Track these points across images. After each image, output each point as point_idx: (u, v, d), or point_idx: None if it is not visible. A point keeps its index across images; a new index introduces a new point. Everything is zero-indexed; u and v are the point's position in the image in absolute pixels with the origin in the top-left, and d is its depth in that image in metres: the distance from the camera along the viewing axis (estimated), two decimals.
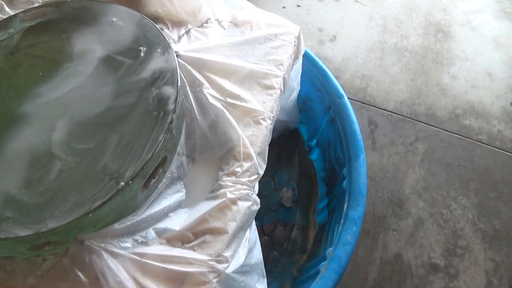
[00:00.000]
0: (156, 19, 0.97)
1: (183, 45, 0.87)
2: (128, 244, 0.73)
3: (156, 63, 0.77)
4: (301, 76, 1.18)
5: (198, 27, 0.93)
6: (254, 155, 0.77)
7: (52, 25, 0.88)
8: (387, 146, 1.55)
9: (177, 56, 0.83)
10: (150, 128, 0.70)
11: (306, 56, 1.28)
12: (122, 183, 0.67)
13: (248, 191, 0.75)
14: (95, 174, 0.69)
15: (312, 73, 1.30)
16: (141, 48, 0.80)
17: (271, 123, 0.83)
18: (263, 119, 0.81)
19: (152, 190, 0.75)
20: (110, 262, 0.69)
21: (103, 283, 0.66)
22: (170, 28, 0.94)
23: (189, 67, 0.83)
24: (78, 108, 0.76)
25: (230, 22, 0.96)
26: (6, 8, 1.01)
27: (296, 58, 0.98)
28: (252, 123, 0.81)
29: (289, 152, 1.47)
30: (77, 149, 0.71)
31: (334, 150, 1.24)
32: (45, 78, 0.81)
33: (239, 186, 0.74)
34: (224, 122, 0.80)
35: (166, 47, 0.79)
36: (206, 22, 0.94)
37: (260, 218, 1.36)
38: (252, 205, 0.75)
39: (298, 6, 2.14)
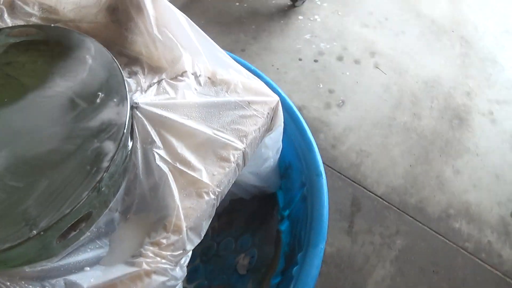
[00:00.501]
0: (137, 60, 1.01)
1: (147, 97, 0.91)
2: None
3: (108, 113, 0.81)
4: (288, 142, 1.21)
5: (172, 78, 0.97)
6: (184, 229, 0.80)
7: (33, 47, 0.93)
8: (364, 233, 1.56)
9: (136, 108, 0.87)
10: (78, 182, 0.73)
11: (297, 123, 1.32)
12: (34, 232, 0.69)
13: (167, 266, 0.77)
14: (14, 216, 0.71)
15: (298, 141, 1.33)
16: (100, 93, 0.84)
17: (215, 198, 0.85)
18: (207, 193, 0.84)
19: (72, 242, 0.78)
20: None
21: None
22: (145, 74, 0.98)
23: (145, 122, 0.86)
24: (24, 142, 0.80)
25: (208, 78, 1.00)
26: (5, 16, 1.08)
27: (268, 130, 1.01)
28: (194, 194, 0.84)
29: (260, 217, 1.48)
30: (7, 185, 0.75)
31: (300, 229, 1.26)
32: (8, 101, 0.85)
33: (159, 259, 0.76)
34: (165, 187, 0.83)
35: (123, 99, 0.82)
36: (182, 75, 0.97)
37: (211, 278, 1.37)
38: (168, 280, 0.77)
39: (315, 61, 2.18)
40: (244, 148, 0.91)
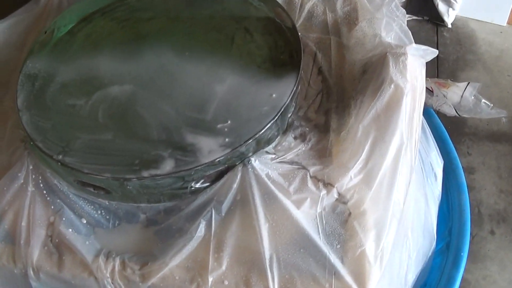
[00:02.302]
0: (326, 129, 0.93)
1: (268, 167, 0.82)
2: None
3: (211, 144, 0.81)
4: None
5: (314, 177, 0.83)
6: (151, 281, 0.79)
7: (274, 38, 0.97)
8: None
9: (243, 164, 0.81)
10: (117, 161, 0.78)
11: None
12: (58, 157, 0.78)
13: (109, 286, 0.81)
14: (67, 131, 0.84)
15: None
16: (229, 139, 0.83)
17: None
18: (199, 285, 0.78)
19: (88, 193, 0.84)
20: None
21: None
22: (310, 148, 0.89)
23: (235, 184, 0.80)
24: (151, 94, 0.90)
25: (349, 213, 0.83)
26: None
27: None
28: (191, 269, 0.80)
29: None
30: (93, 107, 0.87)
31: None
32: (201, 56, 0.96)
33: (109, 279, 0.80)
34: (182, 243, 0.80)
35: (239, 160, 0.81)
36: (326, 186, 0.81)
37: None
38: None
39: None
40: None
